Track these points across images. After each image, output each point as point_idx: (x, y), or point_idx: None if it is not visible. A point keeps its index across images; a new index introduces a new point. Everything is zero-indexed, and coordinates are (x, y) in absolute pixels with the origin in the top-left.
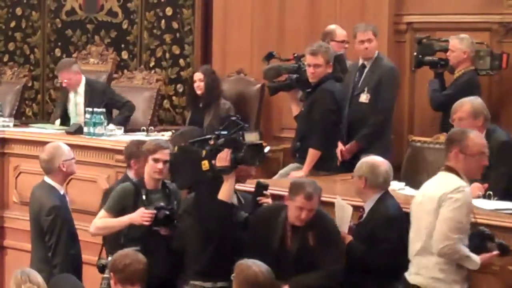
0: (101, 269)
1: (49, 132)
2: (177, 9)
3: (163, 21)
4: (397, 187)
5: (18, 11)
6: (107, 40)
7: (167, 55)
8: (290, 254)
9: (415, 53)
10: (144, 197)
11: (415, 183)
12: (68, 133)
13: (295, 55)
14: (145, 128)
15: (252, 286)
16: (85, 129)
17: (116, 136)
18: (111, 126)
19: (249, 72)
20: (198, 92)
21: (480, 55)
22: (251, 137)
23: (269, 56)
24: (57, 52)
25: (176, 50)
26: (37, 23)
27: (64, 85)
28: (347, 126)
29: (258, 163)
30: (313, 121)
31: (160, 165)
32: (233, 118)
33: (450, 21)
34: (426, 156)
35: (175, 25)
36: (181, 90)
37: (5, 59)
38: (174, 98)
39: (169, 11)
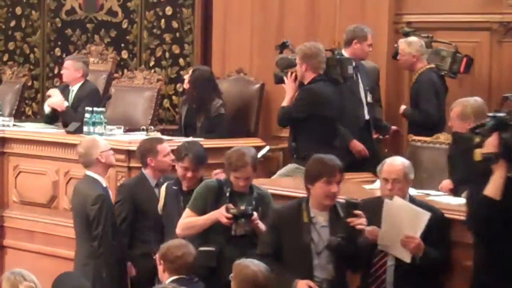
0: None
1: (49, 131)
2: (177, 8)
3: (163, 20)
4: None
5: (18, 10)
6: (107, 39)
7: (167, 55)
8: None
9: (395, 45)
10: (227, 194)
11: (415, 183)
12: (68, 132)
13: None
14: (145, 127)
15: (251, 285)
16: (85, 129)
17: (115, 136)
18: (111, 126)
19: (249, 72)
20: (184, 86)
21: (441, 55)
22: None
23: (283, 45)
24: (57, 51)
25: (176, 49)
26: (37, 22)
27: (61, 73)
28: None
29: None
30: None
31: (241, 182)
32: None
33: (450, 21)
34: (426, 156)
35: (175, 24)
36: (181, 89)
37: (5, 58)
38: (174, 97)
39: (169, 10)
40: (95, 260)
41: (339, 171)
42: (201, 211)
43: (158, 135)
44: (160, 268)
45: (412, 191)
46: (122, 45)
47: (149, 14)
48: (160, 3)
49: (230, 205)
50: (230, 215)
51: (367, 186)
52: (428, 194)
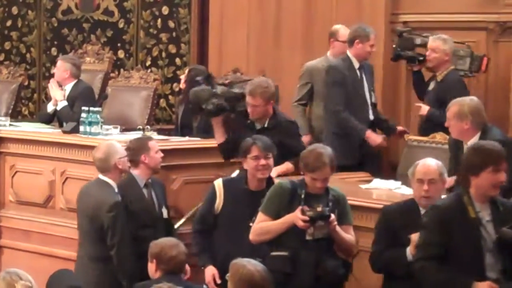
0: None
1: (45, 131)
2: (173, 8)
3: (159, 20)
4: (394, 186)
5: (14, 10)
6: (103, 39)
7: (163, 54)
8: None
9: (394, 46)
10: (302, 196)
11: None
12: (64, 132)
13: None
14: (141, 127)
15: (248, 285)
16: (81, 128)
17: (112, 135)
18: (107, 125)
19: (245, 71)
20: (181, 86)
21: (460, 55)
22: None
23: (207, 78)
24: (53, 51)
25: (172, 49)
26: (33, 22)
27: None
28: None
29: None
30: None
31: (319, 184)
32: None
33: (446, 20)
34: (423, 155)
35: (171, 24)
36: (177, 89)
37: (1, 58)
38: (170, 97)
39: (165, 10)
40: (105, 265)
41: (504, 157)
42: (275, 215)
43: (154, 134)
44: (151, 266)
45: (408, 191)
46: (119, 44)
47: (145, 13)
48: (157, 3)
49: (306, 207)
50: (306, 218)
51: (363, 186)
52: None
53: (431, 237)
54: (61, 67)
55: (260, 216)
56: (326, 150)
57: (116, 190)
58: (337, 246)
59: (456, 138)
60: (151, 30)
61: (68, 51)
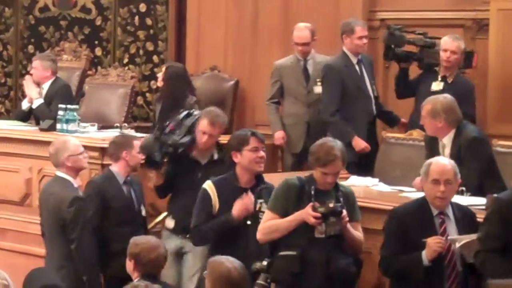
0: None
1: (22, 128)
2: (150, 5)
3: (136, 17)
4: (371, 184)
5: None
6: (81, 36)
7: (141, 52)
8: None
9: (389, 44)
10: (312, 192)
11: (389, 180)
12: (41, 129)
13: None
14: (119, 125)
15: (226, 282)
16: (58, 126)
17: (89, 133)
18: (84, 123)
19: (223, 69)
20: (158, 84)
21: None
22: None
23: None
24: (30, 48)
25: (149, 46)
26: (10, 19)
27: (31, 73)
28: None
29: None
30: None
31: (330, 179)
32: None
33: (423, 18)
34: (400, 153)
35: (148, 21)
36: (155, 86)
37: None
38: (148, 94)
39: (142, 7)
40: (72, 262)
41: None
42: (283, 213)
43: (132, 132)
44: (129, 264)
45: (386, 188)
46: (96, 42)
47: (122, 11)
48: (134, 0)
49: (317, 204)
50: (318, 214)
51: (342, 183)
52: (401, 191)
53: (493, 230)
54: (40, 67)
55: (267, 214)
56: (336, 143)
57: (76, 185)
58: (347, 243)
59: (431, 135)
60: (128, 27)
61: (45, 48)
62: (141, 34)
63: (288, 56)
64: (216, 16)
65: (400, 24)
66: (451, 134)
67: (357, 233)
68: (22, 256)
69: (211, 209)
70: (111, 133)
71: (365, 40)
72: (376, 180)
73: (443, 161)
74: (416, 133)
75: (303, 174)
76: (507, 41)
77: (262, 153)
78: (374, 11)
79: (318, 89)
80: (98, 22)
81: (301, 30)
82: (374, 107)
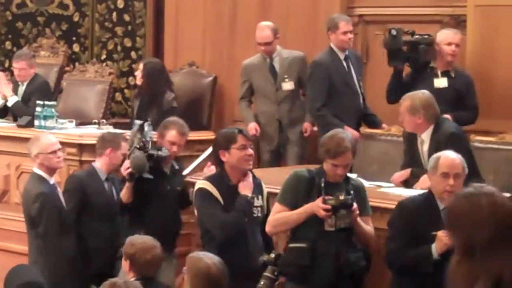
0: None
1: None
2: (128, 1)
3: (114, 13)
4: None
5: None
6: (58, 32)
7: (119, 48)
8: None
9: (394, 48)
10: (322, 185)
11: (367, 175)
12: (19, 126)
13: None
14: (97, 121)
15: (205, 278)
16: (36, 122)
17: (67, 130)
18: (62, 119)
19: (201, 65)
20: (137, 82)
21: None
22: None
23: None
24: (8, 45)
25: (127, 42)
26: None
27: (16, 74)
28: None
29: None
30: None
31: (340, 171)
32: None
33: (401, 14)
34: (377, 148)
35: (126, 17)
36: (133, 83)
37: None
38: (126, 91)
39: (120, 3)
40: (43, 257)
41: None
42: (292, 205)
43: (110, 128)
44: (125, 263)
45: (364, 183)
46: (74, 38)
47: (100, 7)
48: None
49: (327, 196)
50: (328, 207)
51: None
52: (379, 186)
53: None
54: (27, 66)
55: (277, 206)
56: (346, 135)
57: (52, 182)
58: (357, 237)
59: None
60: (106, 23)
61: (22, 45)
62: (119, 30)
63: (255, 55)
64: (194, 13)
65: (377, 20)
66: (430, 130)
67: (368, 227)
68: (0, 253)
69: (219, 204)
70: (89, 130)
71: (350, 35)
72: (354, 176)
73: (452, 155)
74: (394, 129)
75: (295, 168)
76: (484, 37)
77: (250, 151)
78: (352, 7)
79: (286, 85)
80: (76, 18)
81: (262, 30)
82: (362, 103)
